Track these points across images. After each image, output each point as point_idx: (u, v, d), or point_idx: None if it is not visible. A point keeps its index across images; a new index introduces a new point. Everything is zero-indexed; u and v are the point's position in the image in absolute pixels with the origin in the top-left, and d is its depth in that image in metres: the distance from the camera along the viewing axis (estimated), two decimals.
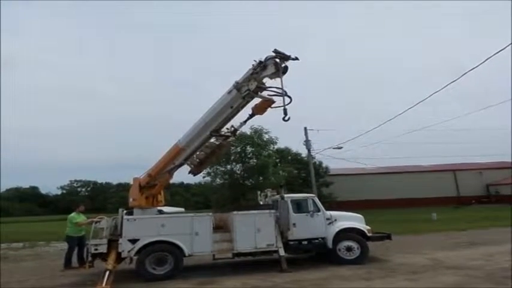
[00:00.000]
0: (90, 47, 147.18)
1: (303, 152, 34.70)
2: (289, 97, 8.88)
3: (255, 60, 8.98)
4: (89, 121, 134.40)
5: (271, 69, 8.75)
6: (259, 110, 9.42)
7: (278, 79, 8.86)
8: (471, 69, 12.02)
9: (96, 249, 8.81)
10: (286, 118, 8.67)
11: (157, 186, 10.06)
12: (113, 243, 8.97)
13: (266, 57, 8.80)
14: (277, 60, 8.72)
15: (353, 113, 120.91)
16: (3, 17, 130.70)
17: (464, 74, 12.53)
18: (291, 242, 9.86)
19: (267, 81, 9.23)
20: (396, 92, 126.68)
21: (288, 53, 8.74)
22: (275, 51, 8.68)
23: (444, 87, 14.02)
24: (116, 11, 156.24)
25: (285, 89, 8.86)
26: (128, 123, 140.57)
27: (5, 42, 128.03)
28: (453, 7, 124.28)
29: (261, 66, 8.85)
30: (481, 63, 11.41)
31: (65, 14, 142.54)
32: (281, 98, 8.95)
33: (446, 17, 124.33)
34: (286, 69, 8.80)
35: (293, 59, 8.78)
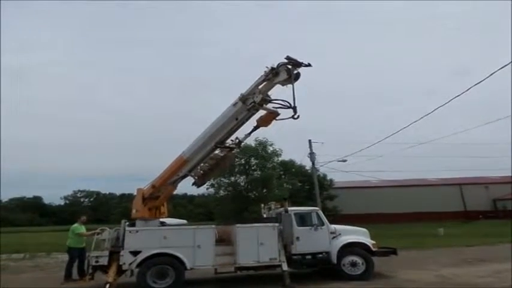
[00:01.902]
0: (95, 60, 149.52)
1: (307, 165, 34.48)
2: (297, 116, 8.81)
3: (267, 67, 8.98)
4: (93, 132, 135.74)
5: (283, 76, 8.74)
6: (264, 122, 9.40)
7: (290, 86, 8.80)
8: (476, 84, 11.93)
9: (97, 261, 8.73)
10: (295, 116, 8.68)
11: (160, 198, 9.99)
12: (114, 255, 8.86)
13: (278, 64, 8.81)
14: (289, 66, 8.72)
15: (358, 125, 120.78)
16: (11, 30, 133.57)
17: (469, 89, 12.47)
18: (295, 257, 9.70)
19: (276, 90, 9.25)
20: (401, 105, 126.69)
21: (300, 60, 8.72)
22: (287, 57, 8.69)
23: (449, 101, 13.91)
24: (122, 26, 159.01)
25: (291, 101, 8.84)
26: (132, 134, 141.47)
27: (11, 55, 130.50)
28: (455, 17, 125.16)
29: (273, 72, 8.86)
30: (486, 78, 11.33)
31: (71, 27, 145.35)
32: (285, 110, 8.97)
33: (449, 28, 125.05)
34: (298, 75, 8.80)
35: (306, 66, 8.74)
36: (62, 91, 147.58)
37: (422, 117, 17.00)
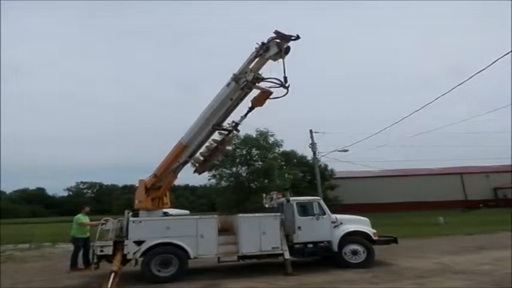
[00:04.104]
0: (93, 52, 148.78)
1: (309, 155, 34.53)
2: (287, 88, 8.98)
3: (257, 43, 9.10)
4: (94, 124, 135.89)
5: (274, 50, 8.82)
6: (258, 101, 9.49)
7: (281, 61, 8.90)
8: (477, 73, 11.92)
9: (101, 251, 8.84)
10: (286, 85, 8.85)
11: (162, 188, 10.07)
12: (118, 244, 8.98)
13: (268, 39, 8.91)
14: (279, 40, 8.81)
15: (358, 115, 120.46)
16: (9, 24, 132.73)
17: (471, 77, 12.47)
18: (296, 245, 9.81)
19: (267, 67, 9.34)
20: (401, 95, 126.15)
21: (288, 34, 8.82)
22: (276, 32, 8.79)
23: (450, 90, 13.92)
24: (117, 17, 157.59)
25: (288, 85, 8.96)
26: (134, 126, 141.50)
27: (11, 49, 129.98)
28: (454, 8, 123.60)
29: (264, 47, 8.96)
30: (487, 67, 11.36)
31: (69, 21, 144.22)
32: (279, 89, 9.10)
33: (447, 18, 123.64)
34: (288, 49, 8.92)
35: (294, 39, 8.84)
36: (62, 84, 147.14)
37: (423, 107, 17.06)
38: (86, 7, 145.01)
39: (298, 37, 8.83)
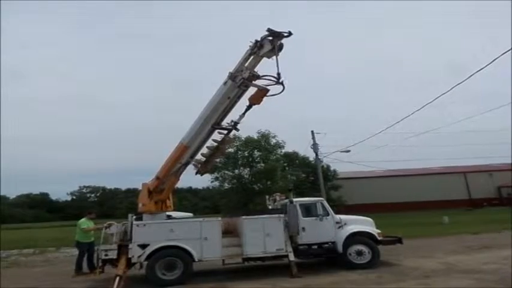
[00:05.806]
0: (94, 54, 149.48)
1: (311, 156, 34.53)
2: (283, 85, 9.11)
3: (251, 41, 9.23)
4: (97, 128, 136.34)
5: (267, 47, 9.00)
6: (255, 99, 9.52)
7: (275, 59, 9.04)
8: (478, 71, 11.87)
9: (106, 255, 8.88)
10: (280, 81, 9.01)
11: (165, 190, 10.08)
12: (123, 248, 9.00)
13: (262, 37, 9.06)
14: (271, 38, 8.96)
15: (360, 115, 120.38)
16: (11, 29, 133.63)
17: (472, 75, 12.42)
18: (301, 247, 9.81)
19: (262, 65, 9.45)
20: (402, 95, 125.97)
21: (280, 30, 8.96)
22: (268, 30, 8.93)
23: (451, 88, 13.85)
24: (117, 22, 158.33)
25: (283, 81, 9.11)
26: (136, 129, 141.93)
27: (12, 54, 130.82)
28: (455, 7, 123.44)
29: (258, 45, 9.12)
30: (487, 65, 11.30)
31: (69, 22, 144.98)
32: (276, 86, 9.20)
33: (448, 18, 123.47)
34: (281, 46, 9.10)
35: (286, 36, 8.99)
36: (62, 88, 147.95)
37: (423, 106, 17.03)
38: (85, 9, 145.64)
39: (290, 34, 8.97)
